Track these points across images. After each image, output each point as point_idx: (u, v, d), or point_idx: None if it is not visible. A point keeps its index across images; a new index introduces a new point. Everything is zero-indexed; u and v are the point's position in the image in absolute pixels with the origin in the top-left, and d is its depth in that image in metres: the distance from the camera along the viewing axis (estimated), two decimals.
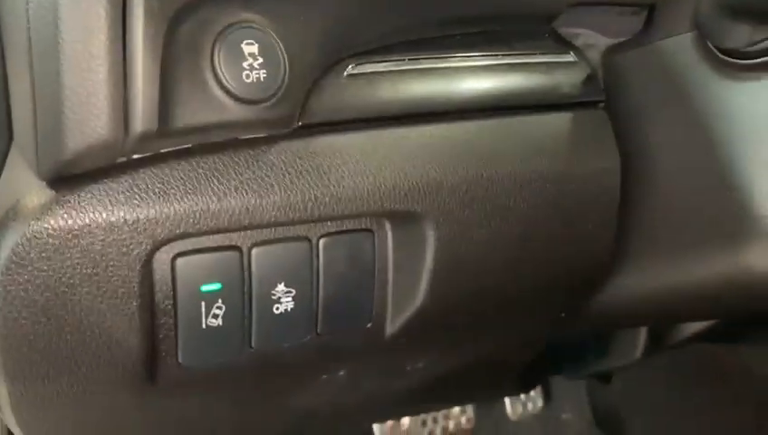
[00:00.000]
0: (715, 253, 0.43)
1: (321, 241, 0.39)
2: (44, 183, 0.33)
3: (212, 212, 0.35)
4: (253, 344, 0.40)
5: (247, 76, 0.33)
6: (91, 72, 0.30)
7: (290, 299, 0.39)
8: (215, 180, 0.35)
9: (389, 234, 0.41)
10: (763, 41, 0.38)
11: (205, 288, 0.37)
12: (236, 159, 0.35)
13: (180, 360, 0.38)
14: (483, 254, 0.42)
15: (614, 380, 1.06)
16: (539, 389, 1.09)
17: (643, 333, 0.72)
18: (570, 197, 0.44)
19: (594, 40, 0.49)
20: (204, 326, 0.38)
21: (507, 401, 1.05)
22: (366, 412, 0.57)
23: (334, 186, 0.38)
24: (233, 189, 0.35)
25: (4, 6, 0.35)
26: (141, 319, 0.35)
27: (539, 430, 1.12)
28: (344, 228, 0.40)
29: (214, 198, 0.35)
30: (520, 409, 1.07)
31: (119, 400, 0.39)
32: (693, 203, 0.44)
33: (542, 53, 0.45)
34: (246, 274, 0.38)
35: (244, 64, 0.33)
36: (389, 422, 0.95)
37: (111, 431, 0.43)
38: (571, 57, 0.46)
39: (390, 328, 0.43)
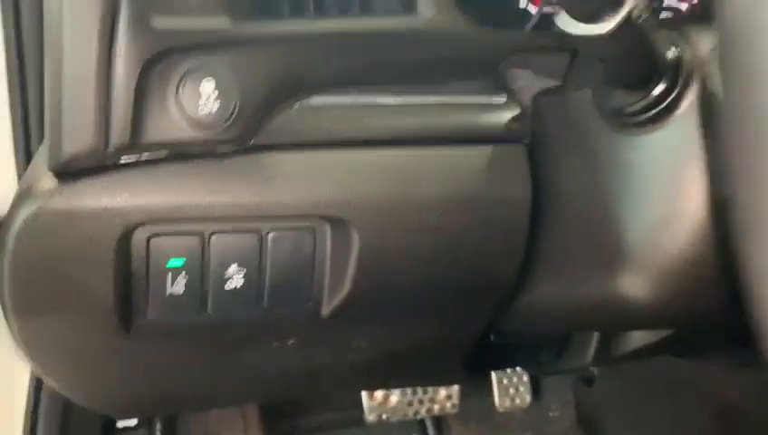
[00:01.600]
0: (598, 277, 0.51)
1: (270, 234, 0.50)
2: (51, 174, 0.44)
3: (175, 206, 0.46)
4: (209, 310, 0.50)
5: (204, 106, 0.44)
6: (84, 96, 0.41)
7: (241, 277, 0.50)
8: (177, 182, 0.46)
9: (328, 232, 0.51)
10: (634, 104, 0.47)
11: (171, 263, 0.48)
12: (195, 167, 0.46)
13: (149, 317, 0.49)
14: (400, 258, 0.52)
15: (595, 383, 1.14)
16: (528, 385, 1.17)
17: (595, 338, 0.80)
18: (481, 219, 0.52)
19: (532, 82, 0.57)
20: (169, 293, 0.49)
21: (495, 391, 1.14)
22: (324, 378, 0.67)
23: (278, 193, 0.48)
24: (192, 190, 0.46)
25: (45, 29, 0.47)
26: (116, 283, 0.46)
27: (526, 422, 1.21)
28: (290, 225, 0.50)
29: (176, 196, 0.46)
30: (507, 402, 1.15)
31: (101, 341, 0.50)
32: (585, 233, 0.52)
33: (477, 94, 0.54)
34: (206, 255, 0.49)
35: (202, 98, 0.43)
36: (378, 398, 1.05)
37: (99, 366, 0.54)
38: (502, 99, 0.55)
39: (326, 309, 0.53)
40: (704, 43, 0.46)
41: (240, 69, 0.44)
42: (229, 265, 0.49)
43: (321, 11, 0.49)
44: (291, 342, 0.57)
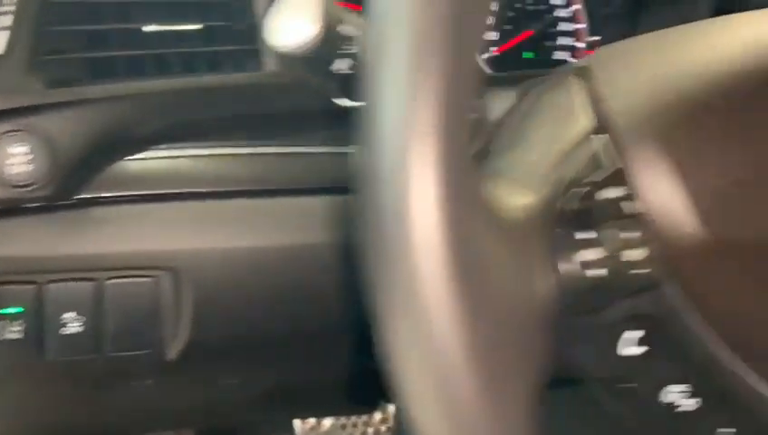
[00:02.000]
0: None
1: (109, 282, 0.52)
2: None
3: (5, 259, 0.49)
4: (49, 356, 0.53)
5: (18, 168, 0.46)
6: None
7: (79, 324, 0.52)
8: (5, 236, 0.48)
9: (166, 280, 0.53)
10: None
11: (9, 311, 0.51)
12: (24, 222, 0.49)
13: None
14: (236, 304, 0.54)
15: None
16: None
17: None
18: (318, 266, 0.54)
19: None
20: (6, 339, 0.51)
21: None
22: (205, 413, 0.69)
23: (110, 245, 0.50)
24: (23, 244, 0.49)
25: None
26: None
27: None
28: (129, 273, 0.53)
29: (6, 249, 0.48)
30: None
31: None
32: None
33: (322, 144, 0.56)
34: (42, 302, 0.51)
35: (16, 159, 0.46)
36: (310, 424, 1.07)
37: None
38: (350, 149, 0.57)
39: (170, 354, 0.55)
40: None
41: (56, 131, 0.47)
42: (66, 313, 0.52)
43: (163, 70, 0.51)
44: (148, 381, 0.59)
